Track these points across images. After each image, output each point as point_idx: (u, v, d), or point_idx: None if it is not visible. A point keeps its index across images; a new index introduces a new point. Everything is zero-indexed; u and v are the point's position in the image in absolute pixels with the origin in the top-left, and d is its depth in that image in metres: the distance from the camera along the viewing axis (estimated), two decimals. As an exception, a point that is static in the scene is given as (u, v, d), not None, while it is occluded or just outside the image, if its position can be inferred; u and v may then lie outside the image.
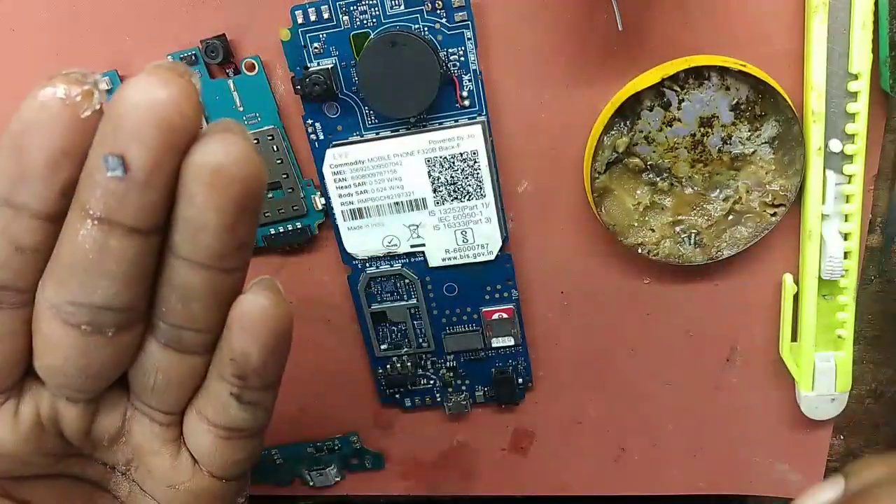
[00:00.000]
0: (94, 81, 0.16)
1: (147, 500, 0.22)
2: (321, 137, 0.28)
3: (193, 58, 0.27)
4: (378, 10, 0.26)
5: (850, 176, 0.26)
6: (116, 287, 0.16)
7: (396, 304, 0.31)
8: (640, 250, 0.28)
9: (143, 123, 0.14)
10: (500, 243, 0.29)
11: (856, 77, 0.25)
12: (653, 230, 0.28)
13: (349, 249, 0.29)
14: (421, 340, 0.31)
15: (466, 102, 0.27)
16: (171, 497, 0.21)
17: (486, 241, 0.28)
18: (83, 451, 0.20)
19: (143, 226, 0.15)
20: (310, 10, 0.26)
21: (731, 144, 0.26)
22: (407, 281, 0.30)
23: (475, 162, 0.27)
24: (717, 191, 0.27)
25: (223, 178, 0.15)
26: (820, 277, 0.28)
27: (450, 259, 0.29)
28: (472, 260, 0.29)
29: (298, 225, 0.30)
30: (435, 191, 0.28)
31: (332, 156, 0.28)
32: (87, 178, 0.15)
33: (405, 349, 0.32)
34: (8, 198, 0.15)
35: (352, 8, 0.26)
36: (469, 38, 0.26)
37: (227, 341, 0.18)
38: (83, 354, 0.17)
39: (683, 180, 0.27)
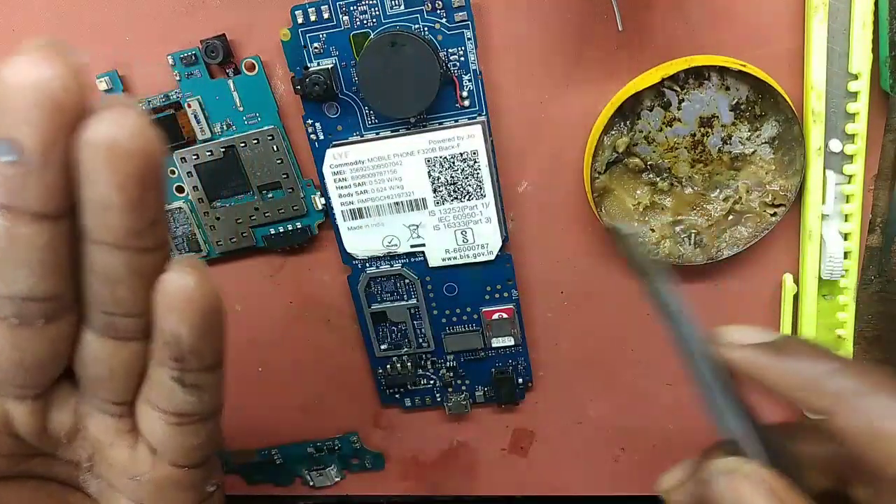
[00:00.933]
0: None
1: (115, 494, 0.21)
2: (321, 137, 0.28)
3: (193, 58, 0.27)
4: (378, 10, 0.26)
5: (850, 176, 0.26)
6: (35, 276, 0.16)
7: (396, 304, 0.31)
8: (640, 250, 0.28)
9: (29, 104, 0.14)
10: (500, 243, 0.29)
11: (856, 77, 0.25)
12: (653, 230, 0.28)
13: (349, 249, 0.29)
14: (421, 340, 0.31)
15: (466, 102, 0.27)
16: (135, 488, 0.21)
17: (486, 241, 0.28)
18: (44, 450, 0.20)
19: (49, 210, 0.15)
20: (310, 10, 0.26)
21: (731, 144, 0.26)
22: (407, 281, 0.30)
23: (475, 162, 0.27)
24: (717, 191, 0.27)
25: (119, 153, 0.15)
26: (820, 277, 0.28)
27: (450, 259, 0.29)
28: (472, 260, 0.29)
29: (298, 225, 0.30)
30: (435, 191, 0.28)
31: (332, 156, 0.28)
32: None
33: (405, 349, 0.32)
34: None
35: (352, 8, 0.26)
36: (469, 38, 0.26)
37: (157, 324, 0.17)
38: (15, 348, 0.17)
39: (683, 180, 0.27)
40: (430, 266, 0.29)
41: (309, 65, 0.27)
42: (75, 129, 0.15)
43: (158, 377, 0.19)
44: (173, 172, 0.29)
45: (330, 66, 0.26)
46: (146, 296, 0.17)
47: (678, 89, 0.26)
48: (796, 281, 0.29)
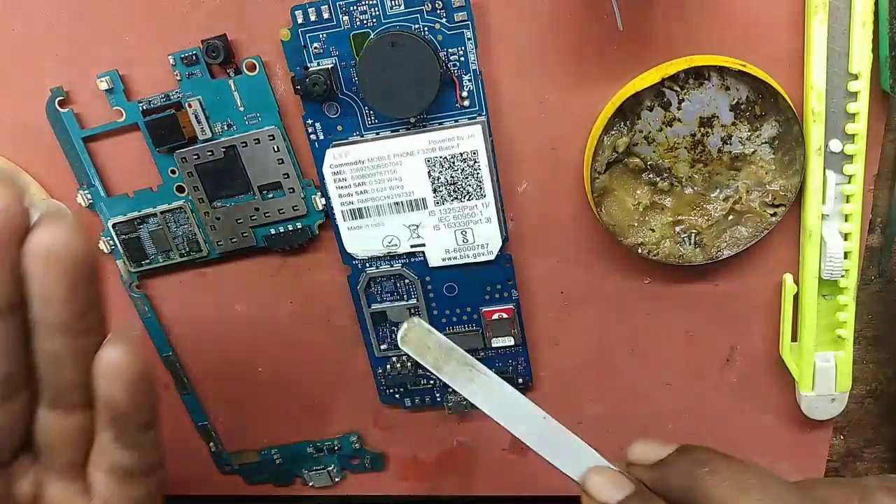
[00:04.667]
0: None
1: None
2: (321, 137, 0.28)
3: (194, 57, 0.27)
4: (378, 10, 0.26)
5: (850, 176, 0.26)
6: None
7: (396, 304, 0.31)
8: (640, 250, 0.28)
9: None
10: (500, 243, 0.29)
11: (856, 77, 0.25)
12: (653, 230, 0.28)
13: (349, 249, 0.29)
14: (421, 340, 0.31)
15: (466, 102, 0.27)
16: None
17: (486, 241, 0.28)
18: None
19: (2, 306, 0.18)
20: (310, 10, 0.26)
21: (731, 144, 0.26)
22: (407, 281, 0.30)
23: (475, 162, 0.27)
24: (717, 191, 0.27)
25: (53, 257, 0.18)
26: (820, 277, 0.28)
27: (450, 259, 0.29)
28: (472, 260, 0.29)
29: (298, 225, 0.30)
30: (435, 191, 0.28)
31: (332, 156, 0.28)
32: None
33: (405, 349, 0.32)
34: None
35: (352, 8, 0.26)
36: (469, 38, 0.26)
37: (97, 392, 0.20)
38: None
39: (683, 180, 0.27)
40: (430, 266, 0.29)
41: (309, 65, 0.27)
42: (19, 241, 0.18)
43: (101, 440, 0.21)
44: (174, 172, 0.29)
45: (330, 66, 0.26)
46: (87, 371, 0.20)
47: (678, 89, 0.26)
48: (796, 281, 0.29)
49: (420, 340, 0.24)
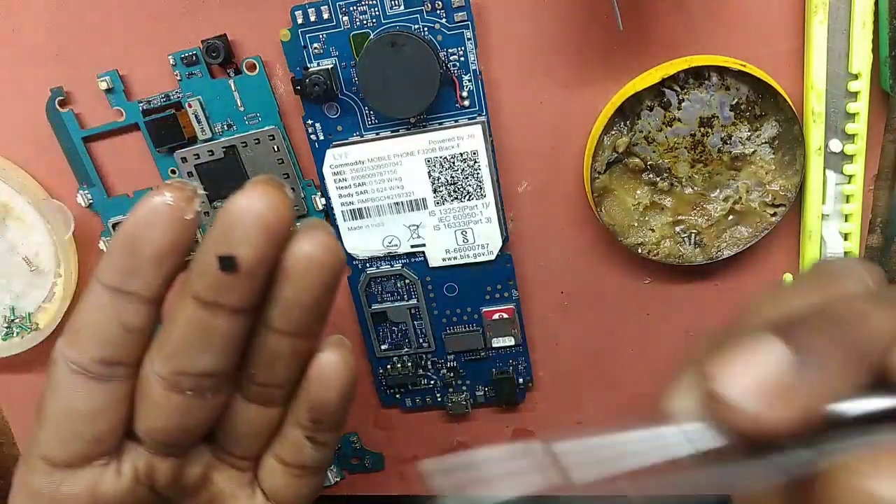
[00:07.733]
0: (194, 189, 0.19)
1: None
2: (321, 138, 0.28)
3: (194, 58, 0.27)
4: (378, 11, 0.26)
5: (850, 176, 0.26)
6: (218, 358, 0.19)
7: (397, 304, 0.31)
8: (640, 250, 0.28)
9: (252, 229, 0.17)
10: (500, 243, 0.29)
11: (856, 77, 0.25)
12: (653, 230, 0.28)
13: (349, 249, 0.29)
14: (421, 340, 0.31)
15: (466, 102, 0.27)
16: None
17: (486, 241, 0.28)
18: (171, 500, 0.22)
19: (246, 307, 0.18)
20: (310, 10, 0.26)
21: (731, 144, 0.26)
22: (407, 281, 0.30)
23: (475, 162, 0.27)
24: (717, 191, 0.27)
25: (315, 265, 0.18)
26: (820, 277, 0.28)
27: (450, 259, 0.29)
28: (472, 260, 0.29)
29: (299, 225, 0.30)
30: (435, 191, 0.28)
31: (333, 156, 0.28)
32: (200, 271, 0.18)
33: (405, 349, 0.32)
34: (120, 286, 0.18)
35: (352, 8, 0.26)
36: (469, 38, 0.26)
37: (307, 392, 0.21)
38: (185, 415, 0.20)
39: (683, 180, 0.27)
40: (431, 266, 0.29)
41: (309, 65, 0.27)
42: (281, 246, 0.18)
43: (293, 436, 0.22)
44: (174, 172, 0.29)
45: (330, 67, 0.26)
46: (298, 371, 0.21)
47: (678, 89, 0.26)
48: (796, 281, 0.29)
49: None
